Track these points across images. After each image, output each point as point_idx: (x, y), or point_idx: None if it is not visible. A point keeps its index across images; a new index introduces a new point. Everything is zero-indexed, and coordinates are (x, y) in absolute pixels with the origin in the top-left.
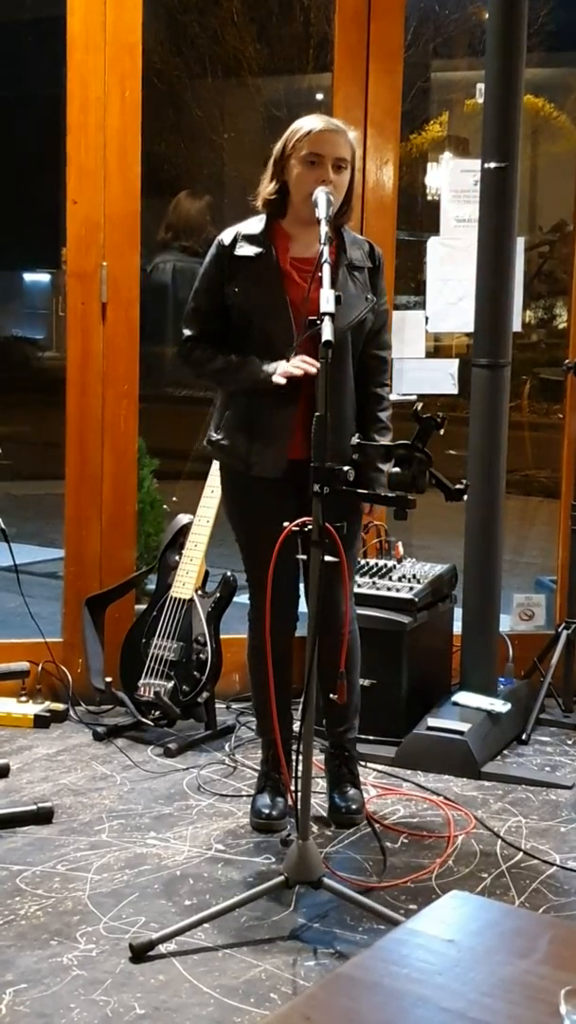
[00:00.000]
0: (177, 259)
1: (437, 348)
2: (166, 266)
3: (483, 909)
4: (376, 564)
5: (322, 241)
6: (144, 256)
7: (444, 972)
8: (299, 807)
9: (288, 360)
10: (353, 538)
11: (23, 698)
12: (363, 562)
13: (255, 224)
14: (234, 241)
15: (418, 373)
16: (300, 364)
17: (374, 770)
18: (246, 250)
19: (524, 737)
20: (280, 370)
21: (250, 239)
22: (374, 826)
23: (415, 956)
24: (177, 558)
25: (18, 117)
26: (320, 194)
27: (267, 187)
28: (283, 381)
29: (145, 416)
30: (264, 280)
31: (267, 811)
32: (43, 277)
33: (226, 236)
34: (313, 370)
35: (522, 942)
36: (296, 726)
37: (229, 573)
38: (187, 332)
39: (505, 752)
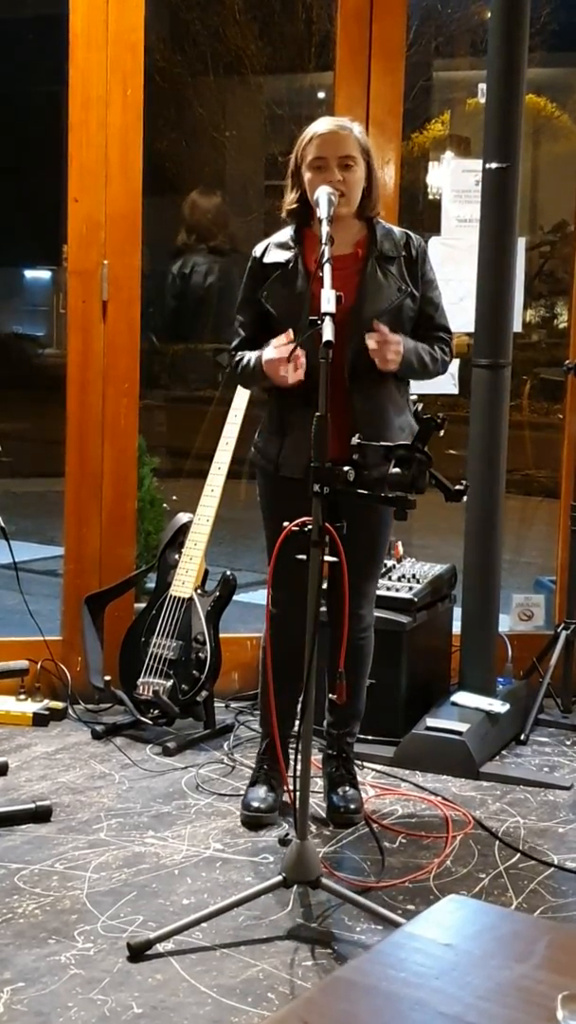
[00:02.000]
0: (211, 260)
1: None
2: (201, 267)
3: (480, 913)
4: None
5: (323, 241)
6: (147, 255)
7: (441, 976)
8: (298, 807)
9: (291, 356)
10: (372, 540)
11: (22, 696)
12: None
13: (286, 232)
14: (265, 250)
15: None
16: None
17: (372, 770)
18: (275, 256)
19: (523, 737)
20: (267, 356)
21: (280, 246)
22: (372, 826)
23: (412, 960)
24: (177, 557)
25: (19, 114)
26: (321, 194)
27: (288, 198)
28: (275, 360)
29: (176, 416)
30: (290, 283)
31: (256, 804)
32: (43, 274)
33: (258, 248)
34: (285, 353)
35: (520, 946)
36: (296, 725)
37: (229, 572)
38: (234, 343)
39: (503, 752)
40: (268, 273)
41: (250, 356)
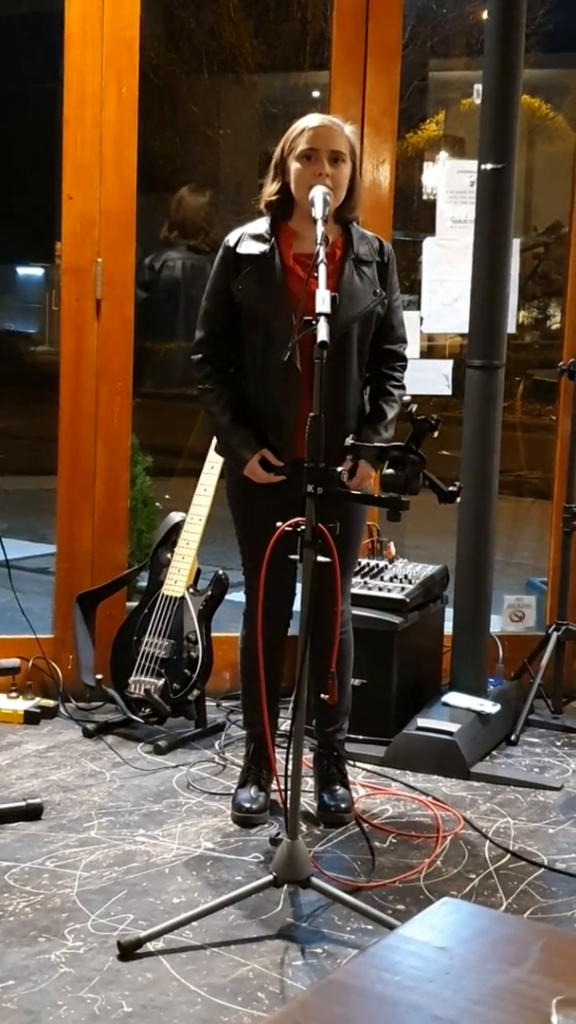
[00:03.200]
0: (186, 256)
1: (431, 348)
2: (176, 263)
3: (475, 916)
4: (368, 564)
5: (318, 241)
6: (140, 253)
7: (436, 979)
8: (288, 806)
9: (288, 354)
10: (351, 537)
11: (13, 694)
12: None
13: (261, 224)
14: (239, 240)
15: (412, 373)
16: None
17: (363, 769)
18: (250, 248)
19: (513, 738)
20: (249, 469)
21: (255, 237)
22: (363, 826)
23: (407, 963)
24: (169, 556)
25: (14, 111)
26: (317, 193)
27: (269, 189)
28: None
29: (148, 413)
30: (267, 276)
31: (248, 804)
32: (36, 271)
33: (232, 237)
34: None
35: (514, 950)
36: (286, 725)
37: (221, 571)
38: (198, 334)
39: (494, 753)
40: (241, 264)
41: (224, 416)
